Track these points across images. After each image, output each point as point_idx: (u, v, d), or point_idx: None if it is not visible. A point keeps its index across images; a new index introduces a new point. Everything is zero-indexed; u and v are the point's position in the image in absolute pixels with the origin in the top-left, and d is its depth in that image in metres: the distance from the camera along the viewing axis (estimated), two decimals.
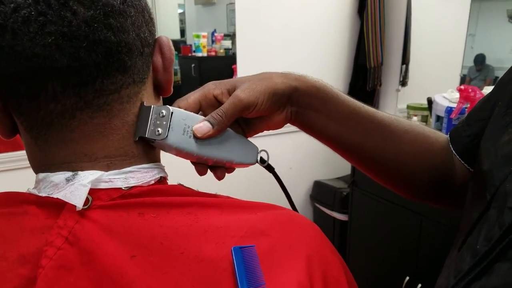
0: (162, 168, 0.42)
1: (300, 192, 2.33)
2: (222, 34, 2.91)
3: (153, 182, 0.39)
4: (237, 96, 0.45)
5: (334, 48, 2.22)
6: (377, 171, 0.56)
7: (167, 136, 0.41)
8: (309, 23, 2.09)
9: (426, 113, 1.97)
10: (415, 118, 1.85)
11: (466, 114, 0.58)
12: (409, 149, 0.53)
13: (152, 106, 0.41)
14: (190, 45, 2.91)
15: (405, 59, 2.20)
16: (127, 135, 0.39)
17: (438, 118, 1.79)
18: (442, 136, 0.56)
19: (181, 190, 0.40)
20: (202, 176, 0.48)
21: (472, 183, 0.47)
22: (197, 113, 0.46)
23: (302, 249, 0.37)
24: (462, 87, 1.41)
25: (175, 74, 3.21)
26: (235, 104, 0.44)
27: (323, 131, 0.52)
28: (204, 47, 2.77)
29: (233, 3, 3.01)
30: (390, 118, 0.53)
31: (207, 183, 0.63)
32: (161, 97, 0.45)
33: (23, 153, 0.43)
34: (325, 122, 0.51)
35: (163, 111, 0.41)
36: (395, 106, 2.26)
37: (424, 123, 1.89)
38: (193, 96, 0.47)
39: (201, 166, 0.46)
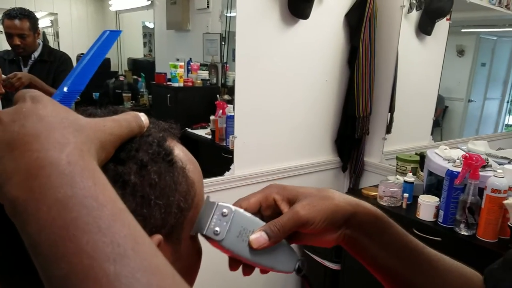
0: None
1: None
2: (198, 64, 2.84)
3: None
4: (297, 212, 0.46)
5: (325, 95, 2.25)
6: None
7: (224, 237, 0.42)
8: (304, 68, 2.12)
9: (415, 165, 2.05)
10: (409, 174, 1.91)
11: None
12: None
13: (217, 202, 0.43)
14: (165, 74, 2.81)
15: (391, 108, 2.28)
16: None
17: (431, 173, 1.87)
18: (479, 277, 0.58)
19: None
20: None
21: None
22: (256, 212, 0.48)
23: None
24: (467, 155, 1.48)
25: (142, 96, 3.09)
26: (294, 219, 0.45)
27: (374, 260, 0.52)
28: (181, 77, 2.67)
29: (209, 33, 2.98)
30: (436, 255, 0.55)
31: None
32: None
33: None
34: (378, 252, 0.51)
35: (226, 210, 0.43)
36: (381, 153, 2.33)
37: (415, 177, 1.96)
38: (255, 198, 0.48)
39: (237, 263, 0.47)
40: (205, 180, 2.02)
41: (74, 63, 2.14)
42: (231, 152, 1.99)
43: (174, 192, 0.39)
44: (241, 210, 0.45)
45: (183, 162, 0.42)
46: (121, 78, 2.91)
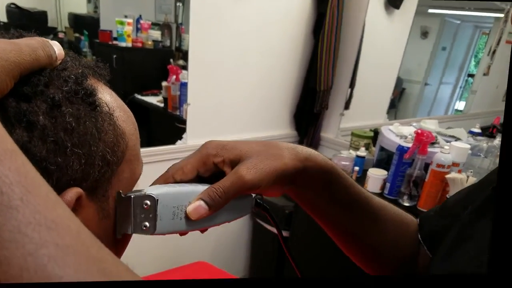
0: None
1: None
2: (150, 23, 2.59)
3: None
4: (241, 176, 0.41)
5: (286, 65, 2.19)
6: (357, 253, 0.59)
7: (155, 229, 0.38)
8: (265, 36, 2.03)
9: (368, 141, 2.06)
10: (362, 149, 1.92)
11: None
12: (392, 238, 0.57)
13: (132, 196, 0.37)
14: (110, 31, 2.48)
15: (352, 83, 2.26)
16: None
17: (382, 149, 1.88)
18: (415, 223, 0.60)
19: None
20: None
21: None
22: (195, 179, 0.43)
23: None
24: (419, 130, 1.50)
25: (85, 56, 2.80)
26: (238, 184, 0.41)
27: (319, 211, 0.53)
28: (128, 36, 2.39)
29: None
30: (379, 204, 0.55)
31: None
32: None
33: None
34: (323, 204, 0.52)
35: (147, 201, 0.37)
36: (338, 129, 2.32)
37: (367, 151, 1.97)
38: (190, 165, 0.44)
39: None
40: (155, 149, 1.91)
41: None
42: (185, 122, 1.87)
43: (97, 141, 0.33)
44: (165, 190, 0.39)
45: (110, 107, 0.36)
46: (61, 35, 2.57)
